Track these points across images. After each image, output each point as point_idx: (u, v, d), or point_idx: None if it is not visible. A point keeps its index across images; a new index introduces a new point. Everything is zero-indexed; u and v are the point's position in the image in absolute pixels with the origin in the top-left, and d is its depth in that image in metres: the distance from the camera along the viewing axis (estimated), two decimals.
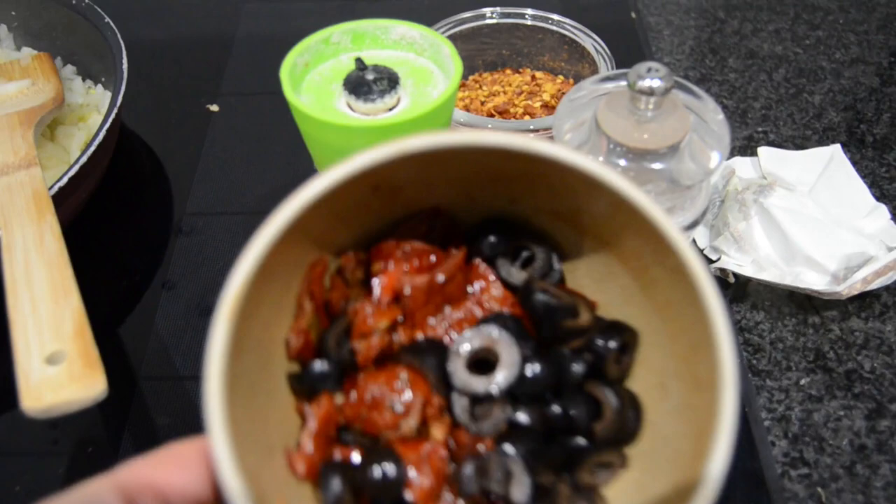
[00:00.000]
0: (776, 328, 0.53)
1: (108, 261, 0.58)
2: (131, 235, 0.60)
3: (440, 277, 0.33)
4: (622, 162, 0.39)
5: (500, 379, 0.30)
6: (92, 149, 0.53)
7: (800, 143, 0.65)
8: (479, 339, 0.31)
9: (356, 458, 0.31)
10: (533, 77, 0.64)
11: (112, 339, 0.53)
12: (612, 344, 0.32)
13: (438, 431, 0.31)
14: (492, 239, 0.34)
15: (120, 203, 0.62)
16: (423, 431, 0.31)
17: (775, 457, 0.46)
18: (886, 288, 0.54)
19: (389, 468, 0.30)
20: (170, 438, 0.47)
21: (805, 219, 0.55)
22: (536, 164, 0.30)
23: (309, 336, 0.32)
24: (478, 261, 0.34)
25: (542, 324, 0.33)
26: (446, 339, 0.33)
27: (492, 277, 0.34)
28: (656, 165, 0.39)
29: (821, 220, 0.55)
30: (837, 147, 0.61)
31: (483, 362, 0.31)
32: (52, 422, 0.49)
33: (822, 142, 0.65)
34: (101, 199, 0.60)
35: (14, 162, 0.53)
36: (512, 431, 0.31)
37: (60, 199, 0.50)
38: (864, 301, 0.54)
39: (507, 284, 0.34)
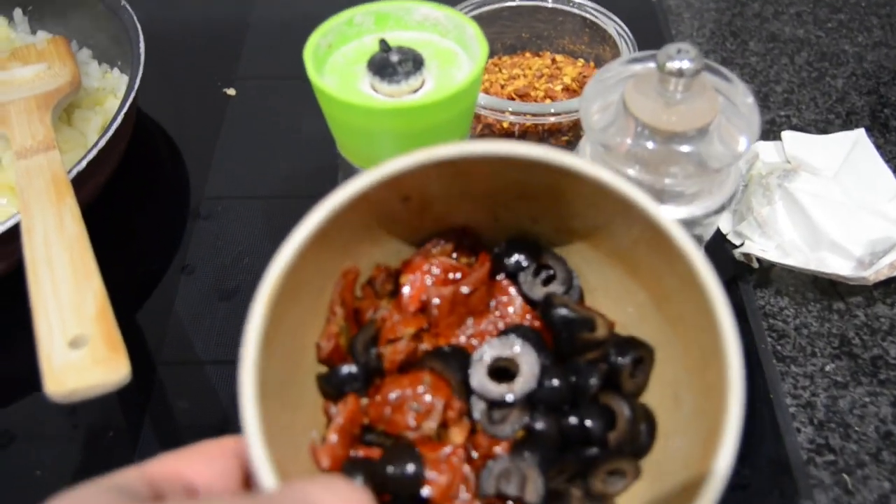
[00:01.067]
0: (801, 314, 0.52)
1: (127, 245, 0.58)
2: (149, 220, 0.60)
3: (465, 289, 0.34)
4: (650, 144, 0.39)
5: (518, 387, 0.32)
6: (110, 132, 0.53)
7: (822, 128, 0.64)
8: (500, 348, 0.33)
9: (378, 455, 0.32)
10: (553, 60, 0.63)
11: (131, 324, 0.53)
12: (627, 359, 0.33)
13: (458, 435, 0.32)
14: (515, 257, 0.36)
15: (137, 188, 0.62)
16: (443, 434, 0.33)
17: (801, 443, 0.46)
18: None
19: (409, 466, 0.31)
20: (190, 422, 0.47)
21: (830, 203, 0.54)
22: (561, 177, 0.31)
23: (339, 341, 0.34)
24: (501, 276, 0.36)
25: (561, 337, 0.34)
26: (469, 348, 0.34)
27: (513, 292, 0.36)
28: (684, 148, 0.39)
29: (846, 205, 0.54)
30: (862, 131, 0.60)
31: (503, 371, 0.33)
32: (72, 407, 0.48)
33: (846, 126, 0.64)
34: (118, 183, 0.60)
35: (32, 145, 0.52)
36: (529, 438, 0.32)
37: (79, 183, 0.50)
38: (890, 287, 0.53)
39: (528, 300, 0.35)
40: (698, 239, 0.44)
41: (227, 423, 0.47)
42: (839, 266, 0.52)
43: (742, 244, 0.54)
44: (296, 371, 0.33)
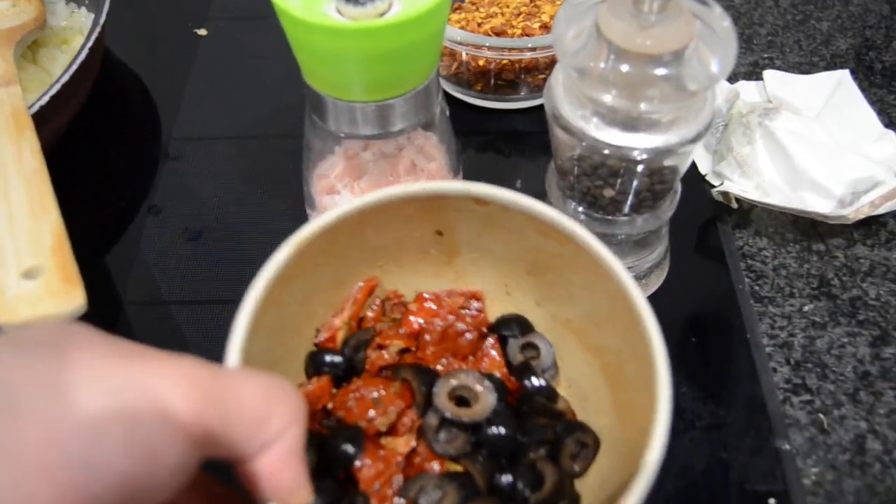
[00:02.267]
0: (779, 254, 0.51)
1: (94, 186, 0.56)
2: (117, 160, 0.59)
3: (464, 333, 0.39)
4: (625, 68, 0.37)
5: (471, 413, 0.35)
6: (74, 67, 0.51)
7: (806, 70, 0.63)
8: (467, 380, 0.36)
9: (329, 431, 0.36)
10: None
11: (98, 265, 0.52)
12: (572, 437, 0.36)
13: (402, 445, 0.35)
14: (511, 326, 0.41)
15: (105, 128, 0.60)
16: (389, 444, 0.36)
17: (777, 383, 0.45)
18: (894, 215, 0.52)
19: (350, 445, 0.34)
20: None
21: (811, 143, 0.53)
22: (566, 244, 0.36)
23: (336, 334, 0.39)
24: (493, 338, 0.40)
25: (524, 397, 0.38)
26: (440, 374, 0.38)
27: (496, 352, 0.40)
28: (660, 71, 0.37)
29: (827, 145, 0.53)
30: (846, 72, 0.59)
31: (463, 401, 0.36)
32: None
33: (830, 69, 0.63)
34: (86, 124, 0.58)
35: None
36: (462, 472, 0.35)
37: (42, 120, 0.48)
38: (871, 228, 0.52)
39: (508, 364, 0.40)
40: (673, 171, 0.42)
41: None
42: (819, 205, 0.51)
43: (721, 184, 0.53)
44: (284, 345, 0.37)
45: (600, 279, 0.35)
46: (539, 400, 0.38)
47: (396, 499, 0.34)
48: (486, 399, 0.36)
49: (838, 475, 0.42)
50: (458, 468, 0.35)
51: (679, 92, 0.38)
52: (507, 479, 0.35)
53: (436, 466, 0.35)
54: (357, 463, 0.34)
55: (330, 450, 0.34)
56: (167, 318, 0.48)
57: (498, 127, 0.59)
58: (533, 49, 0.52)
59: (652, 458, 0.29)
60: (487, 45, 0.53)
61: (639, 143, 0.40)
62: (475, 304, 0.41)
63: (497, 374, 0.39)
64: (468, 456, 0.35)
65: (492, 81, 0.57)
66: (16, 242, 0.39)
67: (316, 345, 0.40)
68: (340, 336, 0.40)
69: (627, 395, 0.35)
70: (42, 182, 0.43)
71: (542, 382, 0.38)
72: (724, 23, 0.38)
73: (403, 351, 0.39)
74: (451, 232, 0.40)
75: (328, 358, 0.38)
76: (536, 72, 0.56)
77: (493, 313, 0.42)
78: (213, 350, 0.46)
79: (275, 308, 0.35)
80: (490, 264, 0.41)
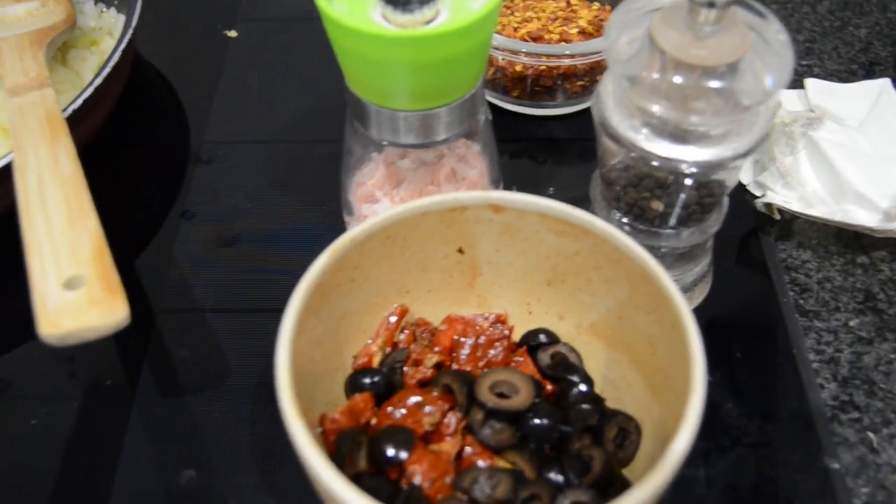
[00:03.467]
0: (823, 267, 0.50)
1: (125, 191, 0.56)
2: (147, 165, 0.58)
3: (492, 348, 0.40)
4: (677, 78, 0.36)
5: (514, 402, 0.36)
6: (107, 70, 0.51)
7: (846, 78, 0.62)
8: (505, 374, 0.37)
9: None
10: (568, 3, 0.61)
11: (129, 271, 0.51)
12: (614, 422, 0.37)
13: (451, 446, 0.36)
14: (539, 336, 0.41)
15: (135, 132, 0.60)
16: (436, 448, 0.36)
17: (824, 400, 0.44)
18: None
19: (399, 445, 0.34)
20: (190, 371, 0.46)
21: (855, 154, 0.52)
22: (584, 238, 0.38)
23: (372, 358, 0.40)
24: (523, 348, 0.41)
25: (562, 391, 0.38)
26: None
27: (525, 361, 0.40)
28: (713, 83, 0.37)
29: (871, 156, 0.52)
30: (887, 81, 0.58)
31: (503, 396, 0.37)
32: (69, 355, 0.47)
33: (869, 76, 0.62)
34: (115, 128, 0.57)
35: (25, 83, 0.50)
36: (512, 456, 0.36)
37: (74, 124, 0.48)
38: None
39: (539, 370, 0.40)
40: (721, 185, 0.42)
41: (227, 371, 0.46)
42: (865, 218, 0.50)
43: (763, 195, 0.52)
44: (324, 361, 0.38)
45: (620, 265, 0.37)
46: (577, 391, 0.38)
47: (457, 495, 0.34)
48: (527, 390, 0.36)
49: (889, 495, 0.41)
50: (506, 465, 0.35)
51: (732, 106, 0.37)
52: (554, 466, 0.35)
53: (483, 464, 0.35)
54: (408, 461, 0.34)
55: (379, 450, 0.34)
56: (203, 326, 0.48)
57: (534, 133, 0.58)
58: (572, 56, 0.51)
59: (693, 411, 0.30)
60: (525, 50, 0.52)
61: (689, 156, 0.39)
62: (500, 328, 0.42)
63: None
64: (515, 448, 0.36)
65: (528, 88, 0.56)
66: (55, 251, 0.38)
67: (354, 369, 0.40)
68: (376, 360, 0.40)
69: (663, 379, 0.36)
70: (79, 188, 0.42)
71: (578, 374, 0.39)
72: (780, 36, 0.38)
73: (438, 366, 0.40)
74: (472, 249, 0.41)
75: (367, 375, 0.39)
76: (574, 78, 0.55)
77: (517, 334, 0.42)
78: (251, 358, 0.46)
79: (315, 319, 0.36)
80: (511, 282, 0.42)
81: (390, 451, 0.34)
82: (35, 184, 0.42)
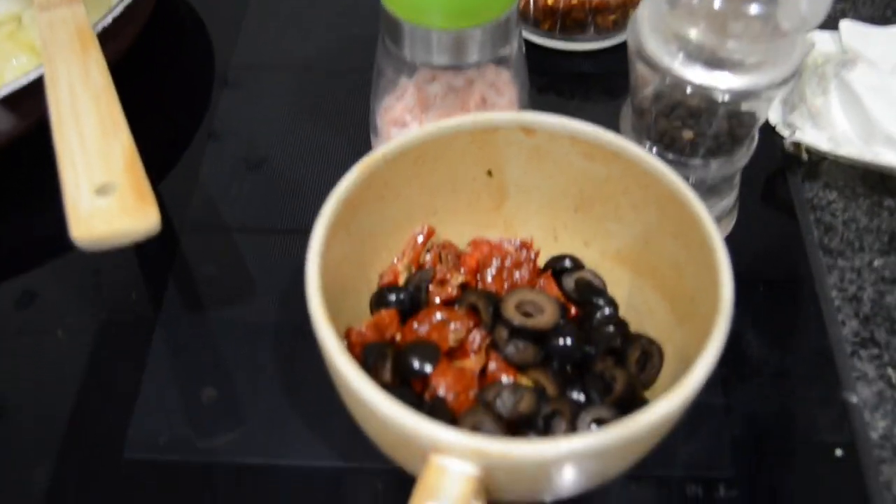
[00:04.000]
0: (849, 208, 0.50)
1: (151, 111, 0.56)
2: (174, 86, 0.58)
3: (517, 271, 0.41)
4: (715, 1, 0.36)
5: (539, 320, 0.36)
6: None
7: (880, 23, 0.61)
8: (531, 294, 0.38)
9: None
10: None
11: (156, 189, 0.51)
12: (637, 344, 0.38)
13: (473, 363, 0.36)
14: (563, 261, 0.42)
15: (161, 54, 0.60)
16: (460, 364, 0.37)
17: (845, 336, 0.44)
18: None
19: (424, 357, 0.35)
20: (214, 287, 0.46)
21: (887, 97, 0.51)
22: (613, 161, 0.38)
23: (398, 277, 0.40)
24: (548, 273, 0.41)
25: (587, 314, 0.39)
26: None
27: (550, 285, 0.41)
28: (752, 7, 0.36)
29: None
30: None
31: (528, 315, 0.37)
32: (95, 268, 0.47)
33: None
34: (141, 49, 0.57)
35: None
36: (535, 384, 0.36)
37: (103, 41, 0.48)
38: None
39: (564, 294, 0.40)
40: (753, 116, 0.41)
41: (252, 288, 0.46)
42: (894, 159, 0.50)
43: (792, 134, 0.52)
44: (352, 276, 0.38)
45: (650, 190, 0.37)
46: (601, 314, 0.39)
47: (480, 408, 0.34)
48: (552, 310, 0.37)
49: None
50: (528, 382, 0.36)
51: (770, 32, 0.37)
52: (577, 385, 0.36)
53: (507, 380, 0.36)
54: (432, 374, 0.35)
55: (405, 363, 0.35)
56: (229, 245, 0.48)
57: (562, 68, 0.58)
58: None
59: (719, 330, 0.31)
60: None
61: (723, 84, 0.38)
62: (525, 252, 0.42)
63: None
64: (538, 366, 0.36)
65: (559, 21, 0.56)
66: (87, 160, 0.38)
67: (379, 286, 0.40)
68: (402, 278, 0.41)
69: (688, 304, 0.36)
70: (111, 101, 0.42)
71: (603, 298, 0.39)
72: None
73: (462, 287, 0.40)
74: (501, 171, 0.41)
75: (393, 292, 0.39)
76: (607, 12, 0.55)
77: (542, 259, 0.42)
78: (275, 277, 0.46)
79: (344, 233, 0.36)
80: (538, 207, 0.42)
81: (416, 364, 0.35)
82: (67, 95, 0.42)
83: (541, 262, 0.42)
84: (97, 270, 0.47)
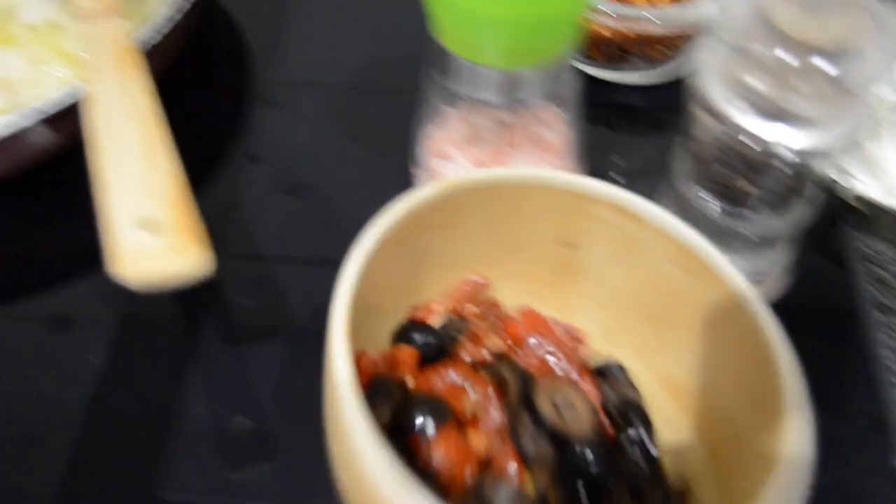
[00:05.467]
0: None
1: (189, 130, 0.55)
2: (212, 105, 0.57)
3: (556, 351, 0.36)
4: (784, 55, 0.35)
5: (573, 426, 0.33)
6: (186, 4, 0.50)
7: None
8: (570, 392, 0.34)
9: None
10: None
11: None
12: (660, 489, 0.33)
13: (481, 440, 0.32)
14: (615, 371, 0.37)
15: (200, 71, 0.59)
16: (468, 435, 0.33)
17: None
18: None
19: (430, 416, 0.31)
20: (253, 320, 0.45)
21: None
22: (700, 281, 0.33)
23: (432, 316, 0.37)
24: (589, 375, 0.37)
25: (619, 445, 0.34)
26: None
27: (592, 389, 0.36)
28: (822, 64, 0.35)
29: None
30: None
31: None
32: (130, 295, 0.46)
33: None
34: (179, 67, 0.56)
35: (98, 9, 0.49)
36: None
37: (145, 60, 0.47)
38: None
39: (604, 404, 0.36)
40: (815, 172, 0.40)
41: (286, 321, 0.45)
42: None
43: (846, 182, 0.51)
44: (380, 295, 0.34)
45: (735, 326, 0.32)
46: (638, 448, 0.34)
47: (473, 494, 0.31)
48: (589, 419, 0.33)
49: None
50: (531, 485, 0.32)
51: (837, 89, 0.36)
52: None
53: (511, 470, 0.32)
54: (433, 436, 0.31)
55: (410, 414, 0.31)
56: (265, 272, 0.47)
57: (609, 99, 0.57)
58: (662, 22, 0.50)
59: None
60: (612, 12, 0.50)
61: (785, 138, 0.37)
62: (575, 344, 0.38)
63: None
64: (549, 470, 0.32)
65: (609, 51, 0.55)
66: (130, 189, 0.37)
67: (410, 318, 0.37)
68: (435, 320, 0.37)
69: (733, 469, 0.32)
70: (155, 123, 0.41)
71: (644, 426, 0.35)
72: (894, 20, 0.36)
73: (497, 355, 0.36)
74: (578, 247, 0.38)
75: (421, 332, 0.35)
76: (660, 45, 0.54)
77: (588, 356, 0.39)
78: (312, 312, 0.45)
79: (398, 247, 0.34)
80: (607, 300, 0.39)
81: (421, 421, 0.31)
82: (106, 117, 0.41)
83: (586, 359, 0.38)
84: (131, 298, 0.46)
